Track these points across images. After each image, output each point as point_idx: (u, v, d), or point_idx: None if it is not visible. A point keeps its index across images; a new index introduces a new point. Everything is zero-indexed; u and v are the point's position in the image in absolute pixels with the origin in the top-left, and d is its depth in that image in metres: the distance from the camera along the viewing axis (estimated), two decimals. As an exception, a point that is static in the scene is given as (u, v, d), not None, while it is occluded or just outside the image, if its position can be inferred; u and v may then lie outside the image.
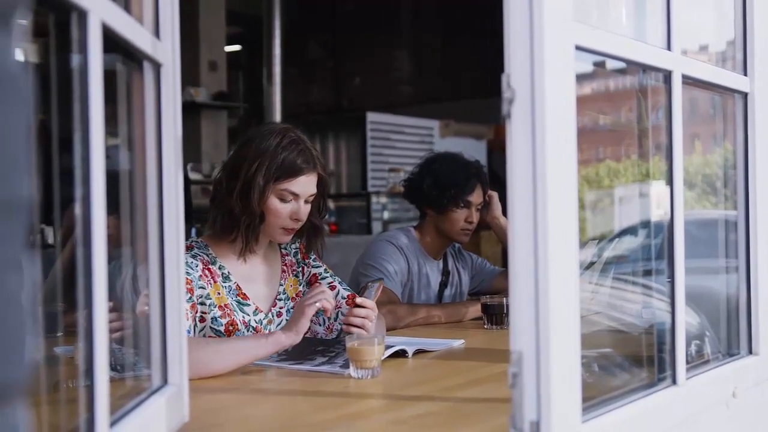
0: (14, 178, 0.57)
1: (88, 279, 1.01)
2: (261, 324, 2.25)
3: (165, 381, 1.38)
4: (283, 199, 2.19)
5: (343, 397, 1.73)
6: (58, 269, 1.77)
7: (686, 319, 1.56)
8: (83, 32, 1.00)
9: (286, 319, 2.29)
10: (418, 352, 2.17)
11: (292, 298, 2.35)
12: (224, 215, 2.20)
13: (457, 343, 2.34)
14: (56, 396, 1.21)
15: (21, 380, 0.58)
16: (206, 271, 2.16)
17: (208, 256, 2.20)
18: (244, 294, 2.24)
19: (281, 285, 2.35)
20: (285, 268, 2.38)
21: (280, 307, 2.32)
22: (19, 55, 0.59)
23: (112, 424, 1.09)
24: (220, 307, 2.17)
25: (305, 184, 2.21)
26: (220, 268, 2.22)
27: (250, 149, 2.18)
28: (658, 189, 1.92)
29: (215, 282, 2.19)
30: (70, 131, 1.03)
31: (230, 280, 2.22)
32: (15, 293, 0.57)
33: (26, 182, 0.58)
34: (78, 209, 1.02)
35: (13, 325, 0.57)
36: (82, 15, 0.99)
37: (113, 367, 1.25)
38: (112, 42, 1.11)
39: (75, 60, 1.02)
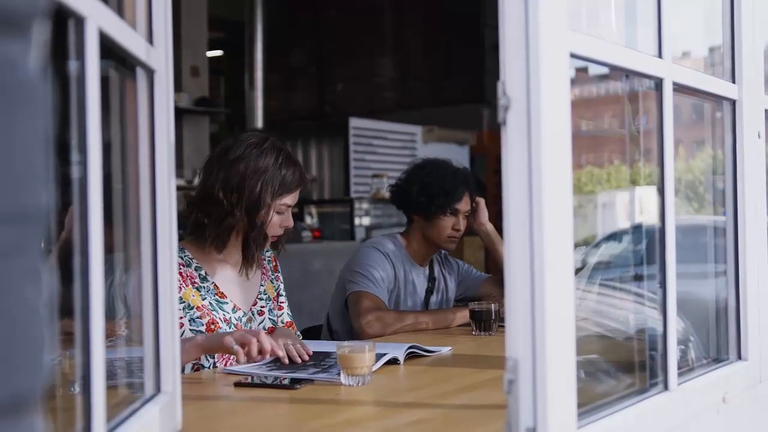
0: (33, 187, 0.57)
1: (84, 287, 1.00)
2: (241, 321, 2.32)
3: (158, 389, 1.37)
4: (279, 212, 2.30)
5: (334, 405, 1.73)
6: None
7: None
8: (80, 38, 0.99)
9: (269, 318, 2.40)
10: (410, 357, 2.18)
11: (273, 299, 2.44)
12: (227, 231, 2.26)
13: (446, 350, 2.34)
14: (48, 404, 1.20)
15: (40, 389, 0.58)
16: (179, 275, 2.18)
17: (182, 258, 2.23)
18: (222, 293, 2.29)
19: (262, 285, 2.43)
20: (264, 270, 2.46)
21: (262, 306, 2.40)
22: (37, 64, 0.59)
23: (108, 433, 1.08)
24: (198, 308, 2.22)
25: (297, 195, 2.34)
26: (196, 269, 2.27)
27: (248, 167, 2.24)
28: (642, 195, 1.93)
29: (187, 285, 2.23)
30: (64, 137, 1.02)
31: (208, 281, 2.28)
32: (33, 303, 0.57)
33: (44, 191, 0.58)
34: (75, 216, 1.01)
35: (33, 335, 0.56)
36: (80, 21, 0.99)
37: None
38: (106, 48, 1.11)
39: (71, 66, 1.02)
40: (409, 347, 2.19)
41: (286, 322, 2.44)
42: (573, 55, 1.25)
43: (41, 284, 0.58)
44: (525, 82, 1.17)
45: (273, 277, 2.49)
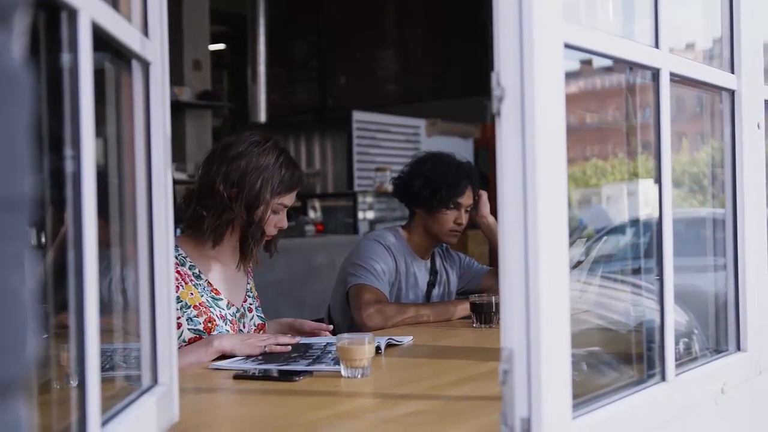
0: (17, 176, 0.57)
1: (79, 280, 1.00)
2: (235, 317, 2.34)
3: (155, 381, 1.37)
4: (275, 212, 2.32)
5: (333, 397, 1.73)
6: (46, 269, 1.77)
7: (674, 317, 1.57)
8: (73, 31, 0.99)
9: (257, 315, 2.44)
10: (389, 346, 2.23)
11: (256, 297, 2.49)
12: (225, 225, 2.28)
13: (407, 340, 2.37)
14: (45, 396, 1.20)
15: (23, 377, 0.58)
16: (176, 274, 2.20)
17: (176, 257, 2.24)
18: (216, 289, 2.32)
19: (248, 283, 2.47)
20: (249, 270, 2.49)
21: (250, 304, 2.44)
22: (19, 54, 0.59)
23: (103, 423, 1.09)
24: (195, 306, 2.24)
25: (294, 197, 2.37)
26: (190, 268, 2.30)
27: (249, 163, 2.26)
28: (645, 187, 1.93)
29: (186, 283, 2.25)
30: (58, 131, 1.02)
31: (202, 279, 2.30)
32: (18, 290, 0.57)
33: (28, 180, 0.59)
34: (68, 210, 1.01)
35: (16, 322, 0.57)
36: (72, 14, 0.99)
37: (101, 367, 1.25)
38: (101, 40, 1.11)
39: (64, 58, 1.02)
40: (387, 342, 2.24)
41: (258, 324, 2.45)
42: (568, 46, 1.24)
43: (26, 272, 0.59)
44: (519, 73, 1.17)
45: (253, 277, 2.54)
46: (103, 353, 1.30)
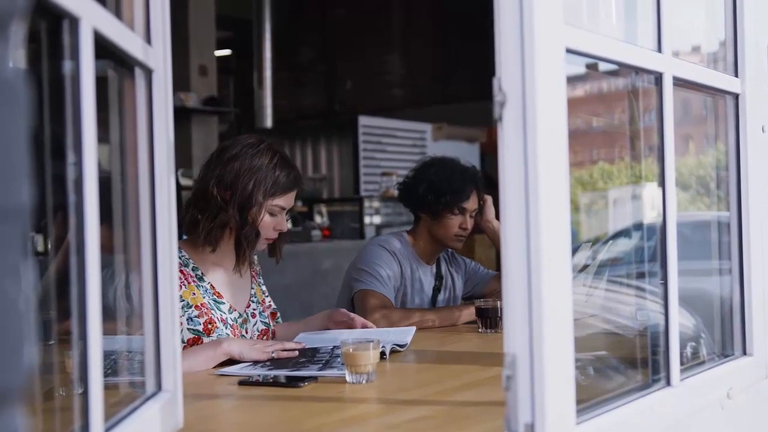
0: (13, 185, 0.57)
1: (81, 286, 1.01)
2: (236, 322, 2.34)
3: (159, 387, 1.37)
4: (272, 214, 2.32)
5: (338, 402, 1.73)
6: (51, 277, 1.78)
7: (681, 321, 1.56)
8: (75, 39, 1.00)
9: (261, 320, 2.44)
10: (393, 352, 2.22)
11: (261, 302, 2.48)
12: (219, 227, 2.28)
13: (411, 332, 2.40)
14: (50, 403, 1.21)
15: (20, 385, 0.58)
16: (179, 273, 2.21)
17: (180, 258, 2.25)
18: (219, 293, 2.32)
19: (252, 288, 2.46)
20: (253, 274, 2.49)
21: (253, 309, 2.44)
22: (17, 62, 0.59)
23: (107, 430, 1.09)
24: (196, 306, 2.25)
25: (292, 199, 2.36)
26: (193, 270, 2.30)
27: (242, 165, 2.27)
28: (651, 191, 1.92)
29: (189, 283, 2.27)
30: (60, 138, 1.03)
31: (205, 281, 2.31)
32: (13, 299, 0.57)
33: (25, 189, 0.59)
34: (71, 217, 1.01)
35: (12, 331, 0.57)
36: (74, 22, 0.99)
37: (105, 373, 1.25)
38: (103, 48, 1.11)
39: (66, 66, 1.02)
40: (392, 348, 2.22)
41: (262, 329, 2.46)
42: (569, 50, 1.24)
43: (22, 281, 0.59)
44: (520, 78, 1.17)
45: (260, 281, 2.53)
46: (107, 357, 1.30)
